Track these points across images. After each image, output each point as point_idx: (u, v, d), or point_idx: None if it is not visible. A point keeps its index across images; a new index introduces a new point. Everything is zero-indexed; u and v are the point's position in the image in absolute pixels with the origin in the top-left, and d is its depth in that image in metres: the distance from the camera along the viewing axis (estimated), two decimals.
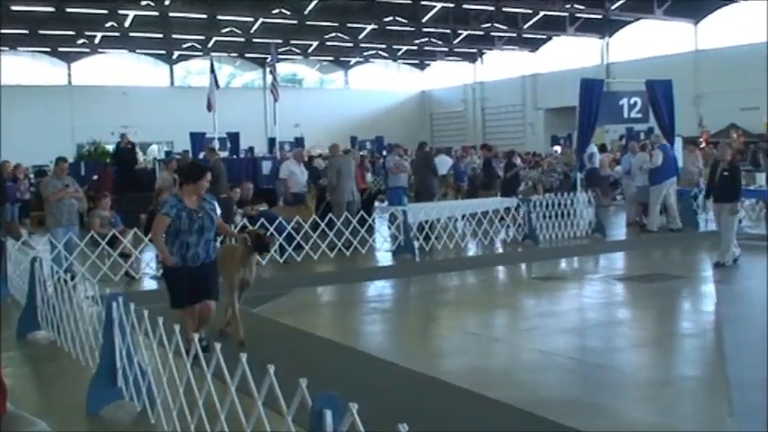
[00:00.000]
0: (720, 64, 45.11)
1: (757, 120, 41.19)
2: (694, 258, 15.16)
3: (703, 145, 32.61)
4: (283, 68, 52.05)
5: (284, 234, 14.60)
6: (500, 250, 16.25)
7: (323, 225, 15.36)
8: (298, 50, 53.13)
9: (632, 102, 19.25)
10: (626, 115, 19.38)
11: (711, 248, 13.36)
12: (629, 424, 6.14)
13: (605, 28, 49.65)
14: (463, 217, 17.09)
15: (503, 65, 57.21)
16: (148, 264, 13.96)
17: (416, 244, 15.49)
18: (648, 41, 47.85)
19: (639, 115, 19.51)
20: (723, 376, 7.17)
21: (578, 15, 46.90)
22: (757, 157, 30.67)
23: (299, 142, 37.03)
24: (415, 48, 53.91)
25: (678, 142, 19.50)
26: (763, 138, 38.14)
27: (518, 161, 22.46)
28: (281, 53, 43.80)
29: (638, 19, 47.31)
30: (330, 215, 15.59)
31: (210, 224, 7.94)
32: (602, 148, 22.44)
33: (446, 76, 62.03)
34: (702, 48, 47.04)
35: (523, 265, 14.84)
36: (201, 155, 22.61)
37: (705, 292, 11.84)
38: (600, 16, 46.18)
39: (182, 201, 7.79)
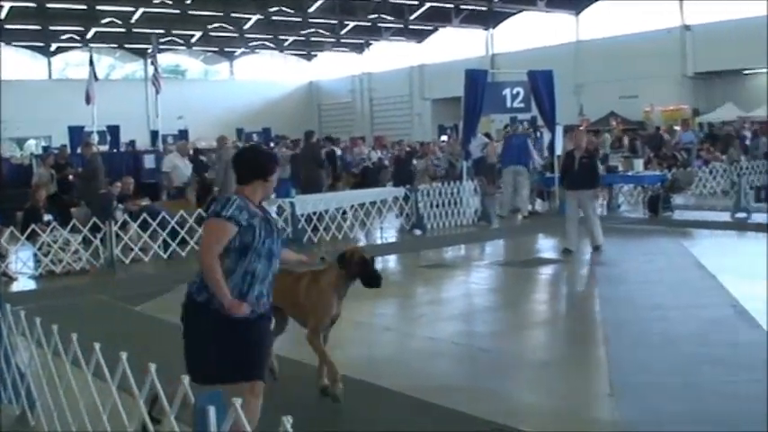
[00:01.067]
0: (600, 54, 46.60)
1: (636, 108, 42.80)
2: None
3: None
4: (166, 59, 50.93)
5: (168, 229, 14.28)
6: (389, 239, 16.34)
7: None
8: (181, 41, 52.08)
9: (515, 92, 19.64)
10: (509, 105, 19.77)
11: (587, 233, 13.75)
12: (514, 406, 6.28)
13: (490, 20, 50.54)
14: (352, 207, 17.11)
15: (390, 56, 57.53)
16: (26, 263, 13.39)
17: (305, 236, 15.42)
18: (532, 33, 48.98)
19: (522, 105, 19.94)
20: (602, 356, 7.41)
21: (463, 7, 47.65)
22: (635, 144, 31.82)
23: (182, 135, 36.31)
24: (301, 38, 53.65)
25: (559, 130, 20.01)
26: (642, 125, 39.67)
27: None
28: (163, 44, 42.88)
29: (521, 11, 48.38)
30: None
31: (280, 246, 4.97)
32: (488, 138, 22.84)
33: (334, 67, 61.96)
34: (583, 39, 48.50)
35: (412, 254, 14.99)
36: (79, 149, 21.92)
37: (584, 275, 12.22)
38: (484, 8, 47.02)
39: (250, 204, 4.76)
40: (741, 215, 16.86)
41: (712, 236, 15.86)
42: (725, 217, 17.05)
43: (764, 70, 46.10)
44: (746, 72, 46.46)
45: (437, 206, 17.34)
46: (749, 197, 17.19)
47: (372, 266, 6.33)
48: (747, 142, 27.83)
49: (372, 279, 6.28)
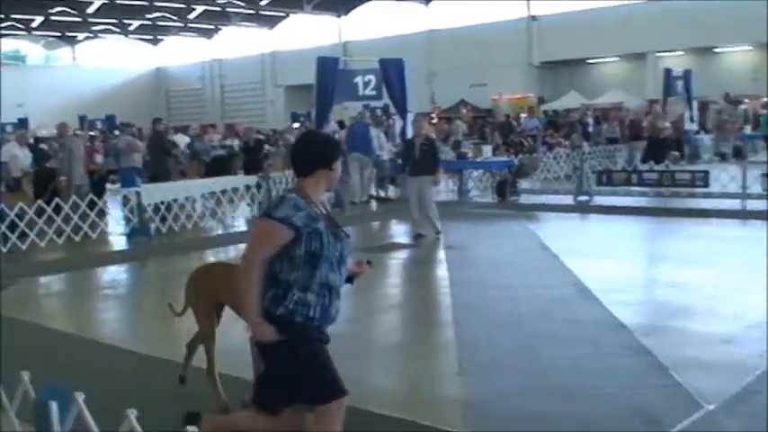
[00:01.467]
0: (451, 43, 47.52)
1: (485, 96, 43.94)
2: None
3: (435, 120, 34.24)
4: (4, 45, 48.42)
5: (7, 221, 13.56)
6: (240, 228, 16.09)
7: (50, 210, 14.41)
8: (21, 26, 49.58)
9: (367, 79, 19.71)
10: (361, 92, 19.82)
11: (440, 218, 13.99)
12: (367, 390, 6.26)
13: (341, 6, 50.64)
14: (202, 196, 16.74)
15: (241, 42, 56.78)
16: None
17: (153, 226, 14.99)
18: (384, 22, 49.44)
19: (374, 92, 20.03)
20: (452, 337, 7.54)
21: None
22: (484, 130, 32.64)
23: (22, 123, 34.58)
24: (147, 22, 52.08)
25: (411, 118, 20.23)
26: (491, 113, 40.78)
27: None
28: (1, 28, 40.71)
29: None
30: (57, 200, 14.66)
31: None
32: (341, 125, 22.88)
33: (183, 53, 60.58)
34: (435, 28, 49.31)
35: None
36: None
37: (435, 259, 12.41)
38: None
39: (310, 203, 4.16)
40: (583, 198, 17.59)
41: (556, 218, 16.48)
42: (568, 200, 17.75)
43: (607, 59, 48.37)
44: (590, 61, 48.51)
45: None
46: (590, 181, 17.92)
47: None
48: (590, 129, 29.05)
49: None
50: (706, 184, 16.97)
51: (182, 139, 22.57)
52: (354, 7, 50.69)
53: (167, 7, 49.62)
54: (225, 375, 5.79)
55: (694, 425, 5.17)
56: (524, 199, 18.59)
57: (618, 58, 47.68)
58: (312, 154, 4.21)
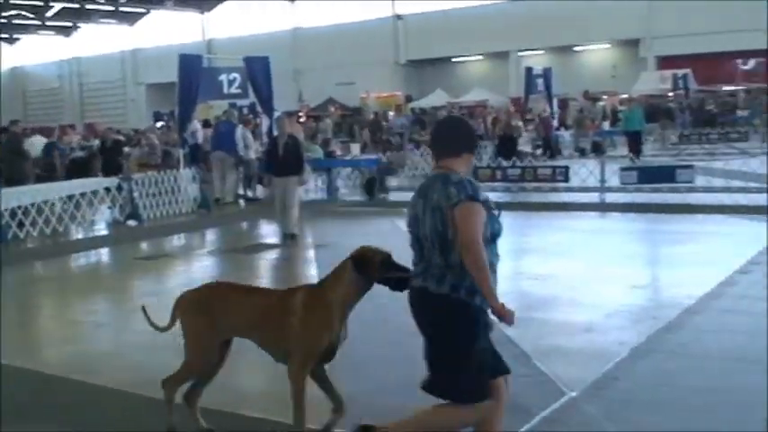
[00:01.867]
0: (318, 42, 47.49)
1: (353, 94, 44.09)
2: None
3: (303, 119, 34.12)
4: None
5: None
6: (101, 232, 15.55)
7: None
8: None
9: (232, 77, 19.46)
10: (226, 91, 19.57)
11: (310, 217, 13.94)
12: (234, 393, 6.16)
13: (204, 3, 49.76)
14: (61, 200, 16.07)
15: (101, 39, 54.97)
16: None
17: (10, 232, 14.28)
18: (250, 19, 48.90)
19: (239, 91, 19.81)
20: None
21: None
22: (353, 128, 32.76)
23: None
24: (3, 21, 49.73)
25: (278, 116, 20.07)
26: (359, 111, 40.95)
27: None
28: None
29: None
30: None
31: None
32: (206, 124, 22.42)
33: (40, 52, 58.15)
34: (301, 26, 49.12)
35: (127, 246, 14.38)
36: None
37: (305, 258, 12.35)
38: None
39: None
40: None
41: None
42: None
43: (471, 58, 49.41)
44: (455, 60, 49.45)
45: (154, 195, 16.75)
46: None
47: (397, 265, 4.71)
48: None
49: (402, 280, 4.56)
50: (566, 179, 17.56)
51: (39, 141, 21.60)
52: (218, 4, 49.91)
53: (24, 5, 47.53)
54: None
55: (557, 412, 5.31)
56: (393, 196, 18.74)
57: (482, 57, 48.80)
58: (461, 136, 4.26)
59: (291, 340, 4.70)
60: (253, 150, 18.90)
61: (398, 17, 47.80)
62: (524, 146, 25.51)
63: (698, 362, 6.29)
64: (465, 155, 4.22)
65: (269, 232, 15.39)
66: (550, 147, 26.75)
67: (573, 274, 9.83)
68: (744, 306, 7.85)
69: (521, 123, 24.33)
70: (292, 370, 4.69)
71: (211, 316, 4.91)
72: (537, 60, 38.55)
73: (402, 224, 14.95)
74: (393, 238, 13.52)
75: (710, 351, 6.51)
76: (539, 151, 27.33)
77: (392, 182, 20.09)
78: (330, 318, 4.69)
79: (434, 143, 4.36)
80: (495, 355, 4.28)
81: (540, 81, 28.13)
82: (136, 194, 16.21)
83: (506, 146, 22.13)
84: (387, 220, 15.59)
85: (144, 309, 5.34)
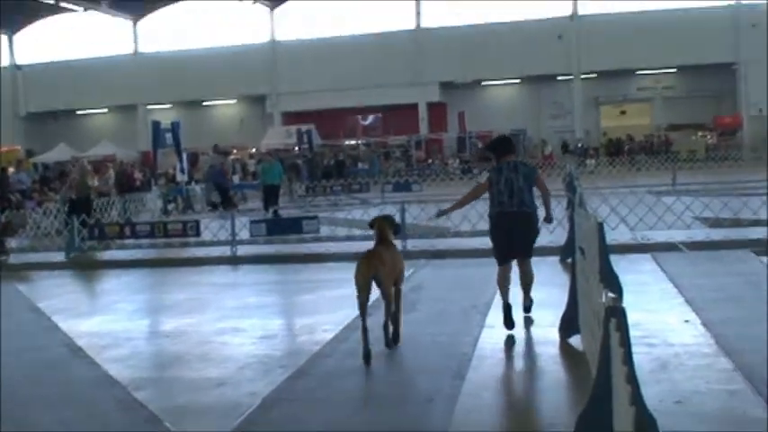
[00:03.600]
0: None
1: None
2: None
3: None
4: None
5: None
6: None
7: None
8: None
9: None
10: None
11: None
12: None
13: None
14: None
15: None
16: None
17: None
18: None
19: None
20: None
21: None
22: None
23: None
24: None
25: None
26: None
27: None
28: None
29: None
30: None
31: None
32: None
33: None
34: None
35: None
36: None
37: None
38: None
39: None
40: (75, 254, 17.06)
41: (49, 276, 15.69)
42: (60, 257, 17.08)
43: (97, 111, 47.91)
44: (80, 112, 47.68)
45: None
46: (83, 235, 17.44)
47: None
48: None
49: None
50: (198, 233, 17.57)
51: None
52: None
53: None
54: None
55: None
56: (14, 258, 17.47)
57: (108, 110, 47.66)
58: (510, 145, 9.17)
59: None
60: None
61: (18, 67, 45.21)
62: (153, 201, 25.08)
63: (322, 406, 6.58)
64: (509, 155, 8.87)
65: None
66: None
67: (204, 330, 9.81)
68: None
69: (96, 182, 23.03)
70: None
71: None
72: (165, 115, 38.47)
73: (25, 288, 13.91)
74: (13, 303, 12.57)
75: (334, 394, 6.85)
76: (171, 206, 27.13)
77: (13, 243, 18.73)
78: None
79: (497, 148, 9.00)
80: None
81: (168, 135, 28.00)
82: None
83: (82, 205, 20.10)
84: (7, 285, 14.36)
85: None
